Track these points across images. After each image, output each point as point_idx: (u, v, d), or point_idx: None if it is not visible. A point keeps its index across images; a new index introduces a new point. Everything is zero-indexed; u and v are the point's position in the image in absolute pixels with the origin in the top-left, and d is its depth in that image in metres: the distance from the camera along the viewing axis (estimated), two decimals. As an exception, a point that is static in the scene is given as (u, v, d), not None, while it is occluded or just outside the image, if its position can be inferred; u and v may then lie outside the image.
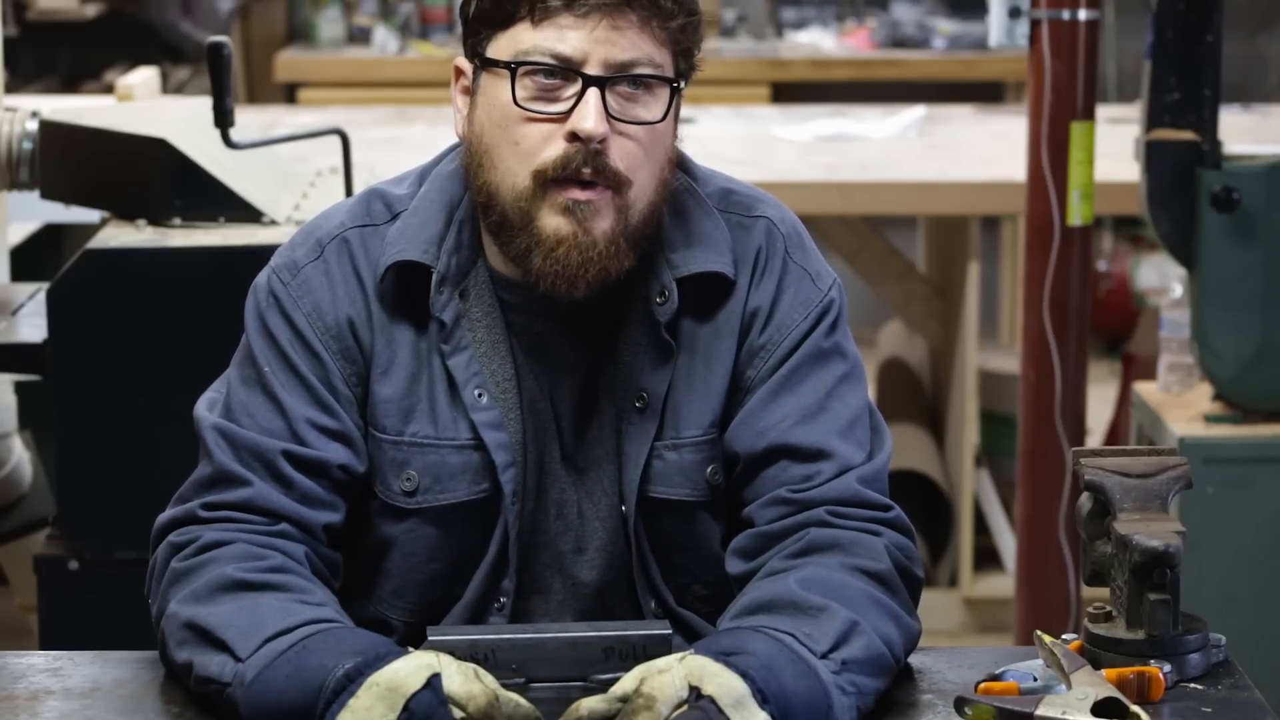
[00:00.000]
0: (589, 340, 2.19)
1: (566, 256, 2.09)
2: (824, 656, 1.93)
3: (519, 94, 2.10)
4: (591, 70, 2.08)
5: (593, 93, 2.08)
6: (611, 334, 2.19)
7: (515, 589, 2.19)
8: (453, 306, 2.17)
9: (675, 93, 2.12)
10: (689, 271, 2.17)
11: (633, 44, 2.09)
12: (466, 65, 2.18)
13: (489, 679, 1.87)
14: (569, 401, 2.20)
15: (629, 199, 2.11)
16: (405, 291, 2.18)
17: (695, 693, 1.83)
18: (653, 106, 2.11)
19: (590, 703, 1.84)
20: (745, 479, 2.17)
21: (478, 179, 2.14)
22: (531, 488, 2.19)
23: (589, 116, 2.07)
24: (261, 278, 2.21)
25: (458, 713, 1.84)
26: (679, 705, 1.83)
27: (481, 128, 2.14)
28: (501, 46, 2.11)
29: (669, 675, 1.84)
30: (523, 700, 1.87)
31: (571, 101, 2.09)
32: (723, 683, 1.84)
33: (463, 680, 1.85)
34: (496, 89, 2.12)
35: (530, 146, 2.10)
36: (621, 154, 2.10)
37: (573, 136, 2.08)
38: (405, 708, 1.83)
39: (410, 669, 1.85)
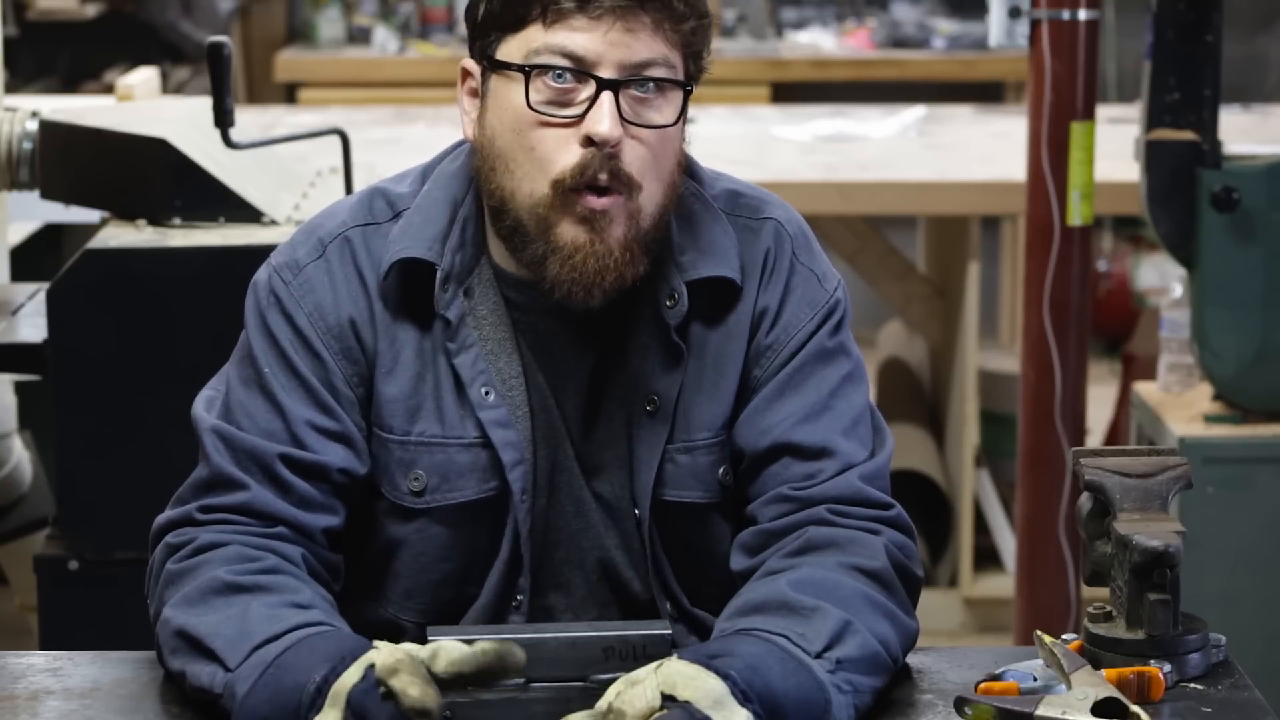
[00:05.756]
0: (596, 340, 2.18)
1: (584, 264, 2.08)
2: (818, 656, 1.93)
3: (532, 97, 2.08)
4: (605, 73, 2.07)
5: (606, 96, 2.06)
6: (620, 336, 2.18)
7: (531, 586, 2.19)
8: (457, 304, 2.16)
9: (687, 95, 2.11)
10: (698, 276, 2.17)
11: (646, 46, 2.07)
12: (474, 67, 2.16)
13: (417, 655, 1.86)
14: (575, 402, 2.19)
15: (639, 203, 2.09)
16: (409, 290, 2.17)
17: (670, 700, 1.83)
18: (665, 109, 2.10)
19: (577, 717, 1.84)
20: (749, 476, 2.17)
21: (490, 183, 2.13)
22: (544, 485, 2.19)
23: (604, 120, 2.06)
24: (262, 275, 2.20)
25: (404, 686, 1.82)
26: (650, 714, 1.82)
27: (493, 131, 2.12)
28: (512, 49, 2.09)
29: (641, 688, 1.83)
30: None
31: (585, 105, 2.07)
32: (698, 685, 1.84)
33: (390, 654, 1.85)
34: (508, 92, 2.10)
35: (546, 152, 2.08)
36: (633, 158, 2.08)
37: (588, 141, 2.06)
38: (347, 704, 1.83)
39: (353, 668, 1.85)
